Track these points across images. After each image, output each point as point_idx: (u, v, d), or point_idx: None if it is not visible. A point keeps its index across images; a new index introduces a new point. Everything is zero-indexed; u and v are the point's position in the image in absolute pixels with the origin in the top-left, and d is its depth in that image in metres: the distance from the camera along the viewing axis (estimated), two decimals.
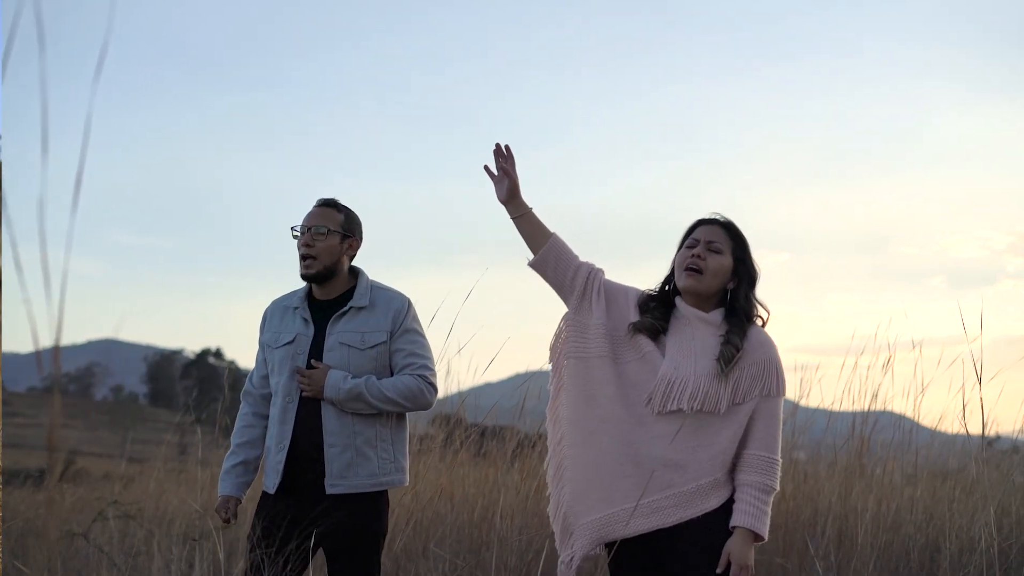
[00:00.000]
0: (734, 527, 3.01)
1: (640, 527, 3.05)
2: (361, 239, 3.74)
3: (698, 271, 3.11)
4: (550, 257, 3.19)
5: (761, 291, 3.21)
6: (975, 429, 5.24)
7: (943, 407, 5.63)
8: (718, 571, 2.99)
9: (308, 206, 3.69)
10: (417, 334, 3.69)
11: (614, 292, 3.21)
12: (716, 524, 3.04)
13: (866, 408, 5.99)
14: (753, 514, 3.01)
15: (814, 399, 6.21)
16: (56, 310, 1.90)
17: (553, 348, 3.26)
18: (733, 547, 2.99)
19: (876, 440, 6.32)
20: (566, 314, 3.23)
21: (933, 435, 6.67)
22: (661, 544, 3.07)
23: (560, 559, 3.22)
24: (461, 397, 6.85)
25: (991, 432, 5.94)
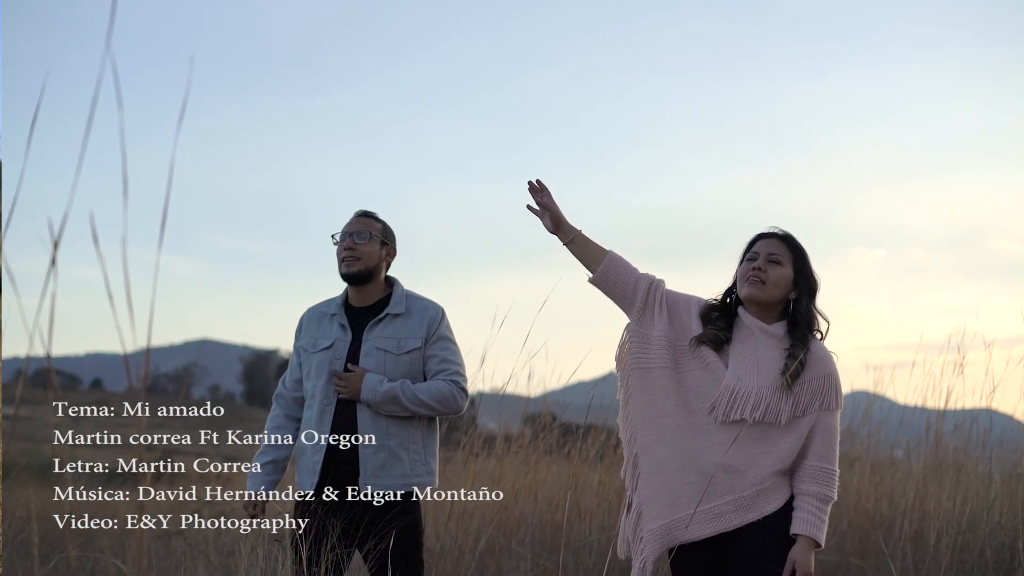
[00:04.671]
0: (796, 535, 3.11)
1: (702, 532, 3.13)
2: (396, 250, 3.89)
3: (760, 281, 3.17)
4: (609, 272, 3.27)
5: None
6: None
7: None
8: None
9: (399, 206, 3.83)
10: (450, 341, 3.83)
11: (675, 302, 3.27)
12: (776, 525, 3.12)
13: (944, 407, 5.96)
14: (814, 523, 3.11)
15: (908, 396, 6.20)
16: (148, 310, 2.01)
17: (618, 359, 3.33)
18: (798, 554, 3.09)
19: (962, 436, 6.28)
20: (628, 324, 3.29)
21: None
22: (722, 546, 3.15)
23: (633, 565, 3.27)
24: (546, 398, 6.93)
25: None
